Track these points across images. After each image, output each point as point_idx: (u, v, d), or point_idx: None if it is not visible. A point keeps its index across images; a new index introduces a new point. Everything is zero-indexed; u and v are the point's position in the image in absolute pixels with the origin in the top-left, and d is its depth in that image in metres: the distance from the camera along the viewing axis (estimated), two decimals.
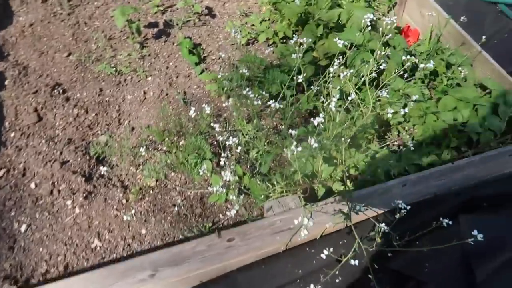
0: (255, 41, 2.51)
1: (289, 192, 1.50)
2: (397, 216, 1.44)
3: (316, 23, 2.08)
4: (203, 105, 1.66)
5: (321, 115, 1.27)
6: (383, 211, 1.67)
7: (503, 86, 1.80)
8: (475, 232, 1.57)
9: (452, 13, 2.72)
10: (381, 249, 1.56)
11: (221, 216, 1.75)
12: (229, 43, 2.51)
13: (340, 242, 1.60)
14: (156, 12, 2.69)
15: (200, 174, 1.64)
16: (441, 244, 1.66)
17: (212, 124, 1.57)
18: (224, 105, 1.90)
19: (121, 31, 2.57)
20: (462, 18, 2.05)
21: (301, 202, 1.44)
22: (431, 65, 1.31)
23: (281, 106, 1.43)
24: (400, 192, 1.59)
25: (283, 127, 1.64)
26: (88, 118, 2.16)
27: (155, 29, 2.61)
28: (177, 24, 2.60)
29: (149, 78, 2.34)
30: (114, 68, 2.35)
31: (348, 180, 1.57)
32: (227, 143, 1.66)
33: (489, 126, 1.68)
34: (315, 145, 1.15)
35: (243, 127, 1.90)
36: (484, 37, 1.85)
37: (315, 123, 1.26)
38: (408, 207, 1.45)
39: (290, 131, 1.44)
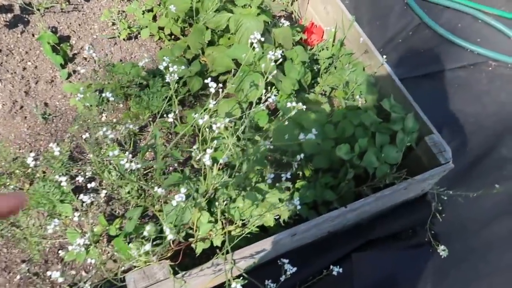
0: (138, 35, 2.11)
1: (158, 256, 1.24)
2: (282, 278, 1.27)
3: (203, 24, 1.75)
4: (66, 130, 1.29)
5: (182, 190, 1.01)
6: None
7: (402, 108, 1.67)
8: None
9: (359, 4, 2.55)
10: None
11: (83, 273, 1.45)
12: (106, 37, 2.08)
13: None
14: None
15: (49, 231, 1.30)
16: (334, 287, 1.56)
17: (61, 174, 1.23)
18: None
19: None
20: (362, 42, 1.84)
21: (170, 274, 1.20)
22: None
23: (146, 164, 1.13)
24: (290, 241, 1.42)
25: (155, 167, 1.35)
26: None
27: (9, 15, 2.07)
28: (38, 10, 2.09)
29: None
30: None
31: (228, 231, 1.35)
32: (89, 185, 1.34)
33: (385, 159, 1.55)
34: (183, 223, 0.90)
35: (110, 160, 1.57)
36: (385, 56, 1.69)
37: (173, 203, 0.99)
38: (295, 269, 1.28)
39: (156, 189, 1.16)
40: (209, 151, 1.18)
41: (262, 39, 1.31)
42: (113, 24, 2.12)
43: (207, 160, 1.16)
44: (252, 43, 1.34)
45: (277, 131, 1.50)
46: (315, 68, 1.98)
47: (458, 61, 2.34)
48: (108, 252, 1.48)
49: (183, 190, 0.99)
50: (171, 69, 1.26)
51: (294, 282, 1.46)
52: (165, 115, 1.67)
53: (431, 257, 1.60)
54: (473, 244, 1.64)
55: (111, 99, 1.44)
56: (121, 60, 2.02)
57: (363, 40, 1.80)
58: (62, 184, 1.21)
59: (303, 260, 1.52)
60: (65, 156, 1.46)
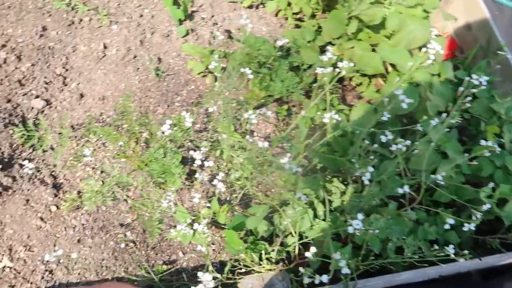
0: (260, 6, 1.94)
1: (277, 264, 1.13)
2: None
3: (347, 12, 1.58)
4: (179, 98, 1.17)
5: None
6: None
7: None
8: None
9: None
10: None
11: (180, 254, 1.36)
12: (227, 0, 1.93)
13: None
14: None
15: (165, 206, 1.20)
16: None
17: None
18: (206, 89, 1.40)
19: None
20: None
21: None
22: None
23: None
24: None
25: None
26: (21, 68, 1.58)
27: None
28: None
29: (114, 26, 1.74)
30: (67, 0, 1.72)
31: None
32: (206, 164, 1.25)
33: None
34: None
35: (230, 135, 1.45)
36: None
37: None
38: None
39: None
40: (370, 169, 1.04)
41: (434, 48, 1.14)
42: None
43: (366, 180, 1.03)
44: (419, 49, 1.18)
45: (418, 156, 1.35)
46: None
47: None
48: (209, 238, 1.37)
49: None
50: (340, 65, 1.11)
51: None
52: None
53: None
54: None
55: (250, 76, 1.31)
56: (238, 29, 1.88)
57: None
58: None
59: None
60: (189, 131, 1.32)
